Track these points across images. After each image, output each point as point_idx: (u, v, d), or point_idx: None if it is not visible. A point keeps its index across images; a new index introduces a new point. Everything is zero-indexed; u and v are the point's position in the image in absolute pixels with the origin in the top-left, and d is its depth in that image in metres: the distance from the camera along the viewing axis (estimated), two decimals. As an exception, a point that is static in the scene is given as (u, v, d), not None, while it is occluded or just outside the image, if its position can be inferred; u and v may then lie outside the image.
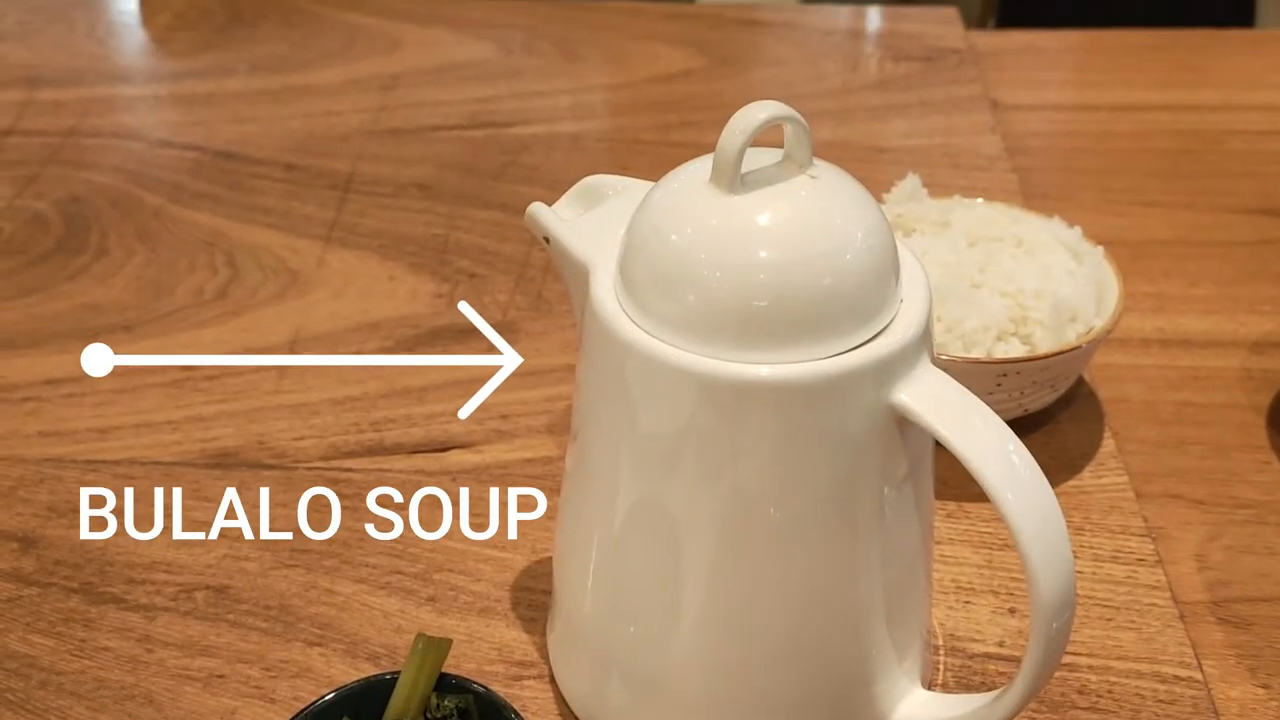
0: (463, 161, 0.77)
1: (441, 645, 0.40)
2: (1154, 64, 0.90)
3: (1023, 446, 0.35)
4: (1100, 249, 0.55)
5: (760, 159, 0.35)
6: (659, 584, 0.38)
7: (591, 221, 0.39)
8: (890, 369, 0.34)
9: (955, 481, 0.52)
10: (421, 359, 0.60)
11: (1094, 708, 0.43)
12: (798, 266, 0.33)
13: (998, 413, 0.52)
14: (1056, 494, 0.51)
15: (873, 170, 0.76)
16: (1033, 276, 0.52)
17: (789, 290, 0.33)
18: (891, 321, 0.35)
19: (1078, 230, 0.55)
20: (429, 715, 0.40)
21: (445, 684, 0.40)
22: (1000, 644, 0.45)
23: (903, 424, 0.35)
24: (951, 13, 0.95)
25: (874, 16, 0.96)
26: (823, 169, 0.35)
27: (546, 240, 0.39)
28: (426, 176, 0.75)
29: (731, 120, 0.34)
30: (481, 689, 0.40)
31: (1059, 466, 0.53)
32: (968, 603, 0.47)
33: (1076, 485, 0.53)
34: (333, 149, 0.78)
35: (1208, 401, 0.58)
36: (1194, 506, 0.52)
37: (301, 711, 0.39)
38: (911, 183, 0.58)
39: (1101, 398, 0.58)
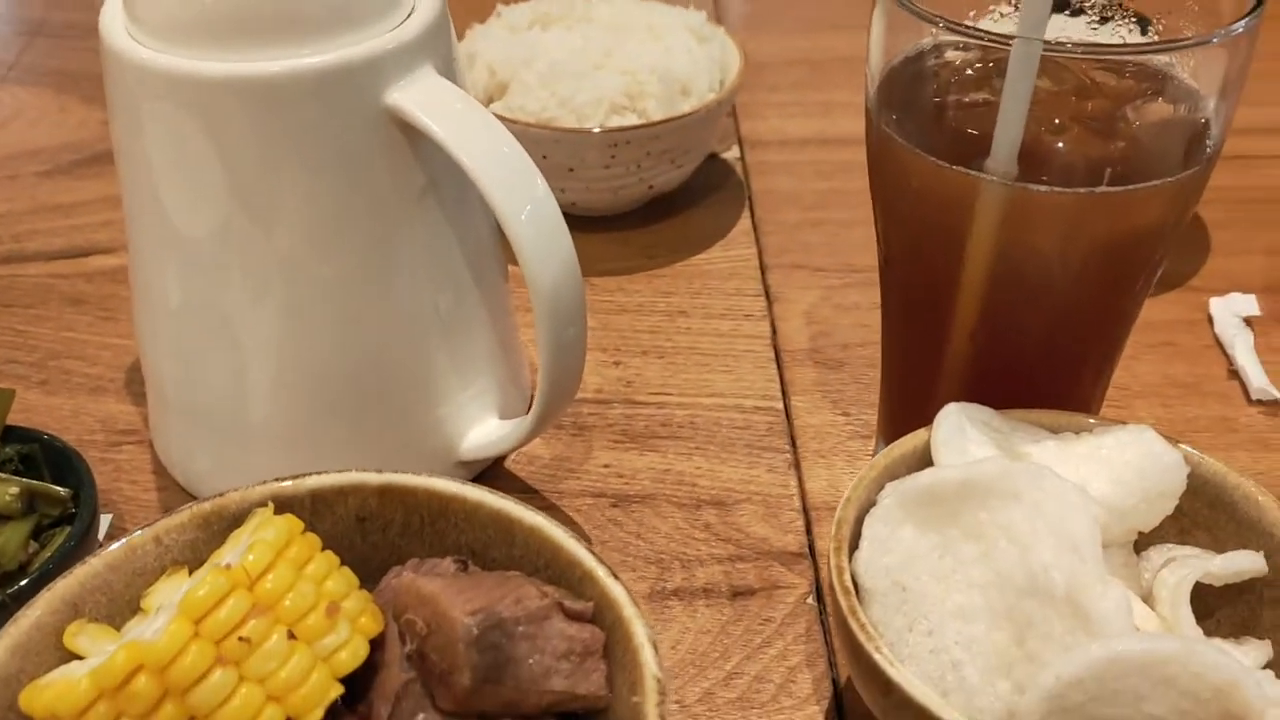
0: None
1: (4, 396, 0.40)
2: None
3: (517, 145, 0.35)
4: (721, 30, 0.57)
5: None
6: (215, 336, 0.38)
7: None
8: (381, 70, 0.35)
9: (588, 257, 0.54)
10: (77, 180, 0.59)
11: (674, 435, 0.45)
12: (270, -36, 0.34)
13: (619, 188, 0.54)
14: (683, 266, 0.54)
15: None
16: (652, 55, 0.53)
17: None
18: (394, 29, 0.36)
19: (702, 15, 0.57)
20: (-6, 463, 0.40)
21: (12, 435, 0.40)
22: (598, 390, 0.47)
23: (411, 135, 0.36)
24: None
25: None
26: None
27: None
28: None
29: None
30: (47, 437, 0.40)
31: (690, 245, 0.55)
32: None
33: (704, 258, 0.55)
34: (25, -2, 0.76)
35: (851, 188, 0.61)
36: (815, 274, 0.55)
37: None
38: (558, -20, 0.59)
39: (753, 188, 0.60)
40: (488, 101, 0.54)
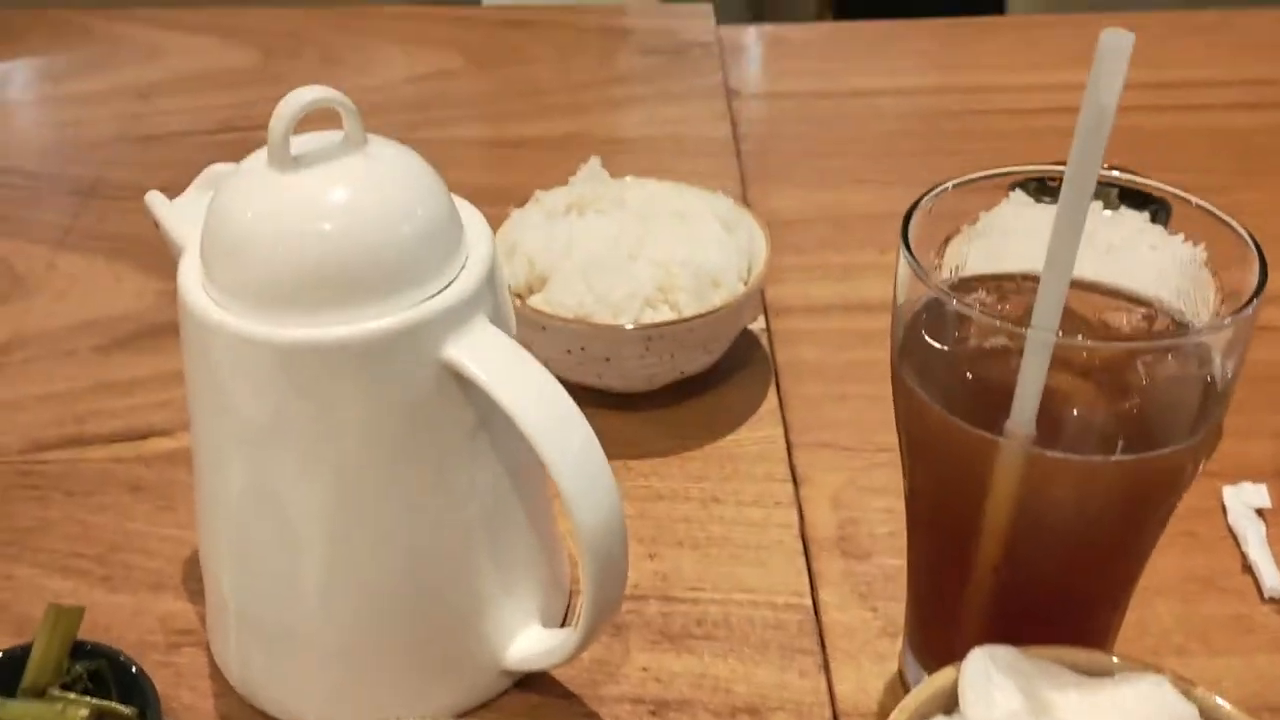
0: (206, 165, 0.79)
1: (73, 614, 0.43)
2: (889, 51, 0.96)
3: (563, 395, 0.38)
4: (747, 215, 0.59)
5: (324, 141, 0.39)
6: (275, 551, 0.41)
7: (195, 206, 0.42)
8: (440, 327, 0.37)
9: (624, 440, 0.56)
10: (134, 355, 0.62)
11: (708, 636, 0.47)
12: (339, 236, 0.36)
13: (653, 375, 0.56)
14: (713, 449, 0.57)
15: (605, 161, 0.80)
16: (683, 246, 0.56)
17: (330, 258, 0.36)
18: (449, 284, 0.38)
19: (729, 201, 0.60)
20: (65, 681, 0.42)
21: (81, 651, 0.43)
22: (635, 585, 0.49)
23: (463, 381, 0.38)
24: (705, 8, 1.00)
25: (632, 14, 1.00)
26: (379, 147, 0.39)
27: (157, 226, 0.42)
28: (170, 180, 0.76)
29: (280, 105, 0.37)
30: (114, 653, 0.42)
31: (720, 425, 0.58)
32: (616, 550, 0.51)
33: (734, 439, 0.57)
34: (81, 155, 0.80)
35: (873, 359, 0.63)
36: (840, 453, 0.57)
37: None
38: (592, 166, 0.62)
39: (779, 360, 0.62)
40: (528, 291, 0.56)
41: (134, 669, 0.42)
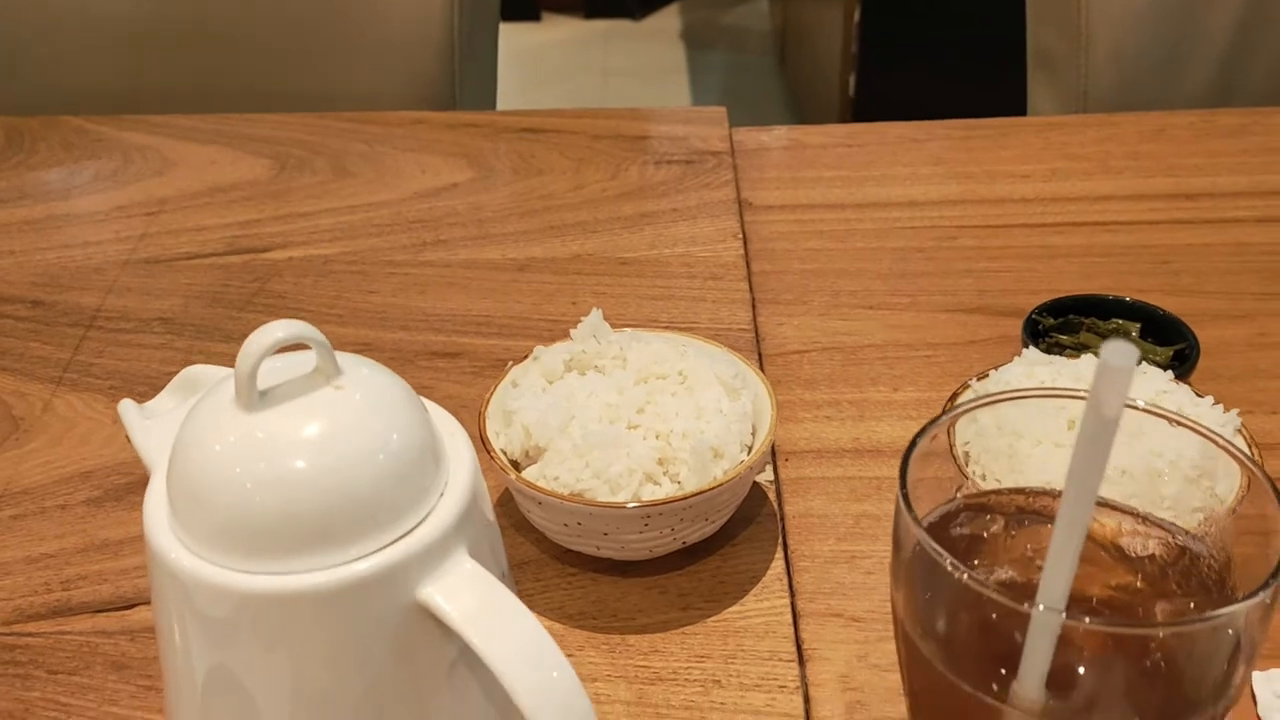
0: (212, 291, 0.78)
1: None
2: (906, 158, 0.94)
3: (544, 639, 0.36)
4: (753, 376, 0.57)
5: (293, 372, 0.37)
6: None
7: (168, 418, 0.40)
8: (416, 566, 0.36)
9: (623, 611, 0.54)
10: (126, 510, 0.61)
11: None
12: (308, 479, 0.35)
13: (654, 546, 0.54)
14: (718, 621, 0.54)
15: (613, 284, 0.79)
16: (685, 416, 0.54)
17: (299, 502, 0.35)
18: (427, 516, 0.37)
19: (735, 362, 0.58)
20: None
21: None
22: (631, 785, 0.47)
23: (439, 620, 0.36)
24: (719, 112, 0.99)
25: (646, 121, 0.99)
26: (352, 379, 0.37)
27: (128, 439, 0.41)
28: (172, 309, 0.77)
29: (246, 343, 0.36)
30: None
31: (724, 593, 0.56)
32: (612, 742, 0.49)
33: (738, 611, 0.55)
34: (84, 281, 0.79)
35: (885, 513, 0.61)
36: (850, 624, 0.54)
37: None
38: (594, 319, 0.60)
39: (786, 512, 0.60)
40: (525, 458, 0.54)
41: None
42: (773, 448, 0.64)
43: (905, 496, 0.35)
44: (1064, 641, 0.32)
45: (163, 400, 0.43)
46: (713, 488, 0.52)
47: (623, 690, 0.51)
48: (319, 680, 0.36)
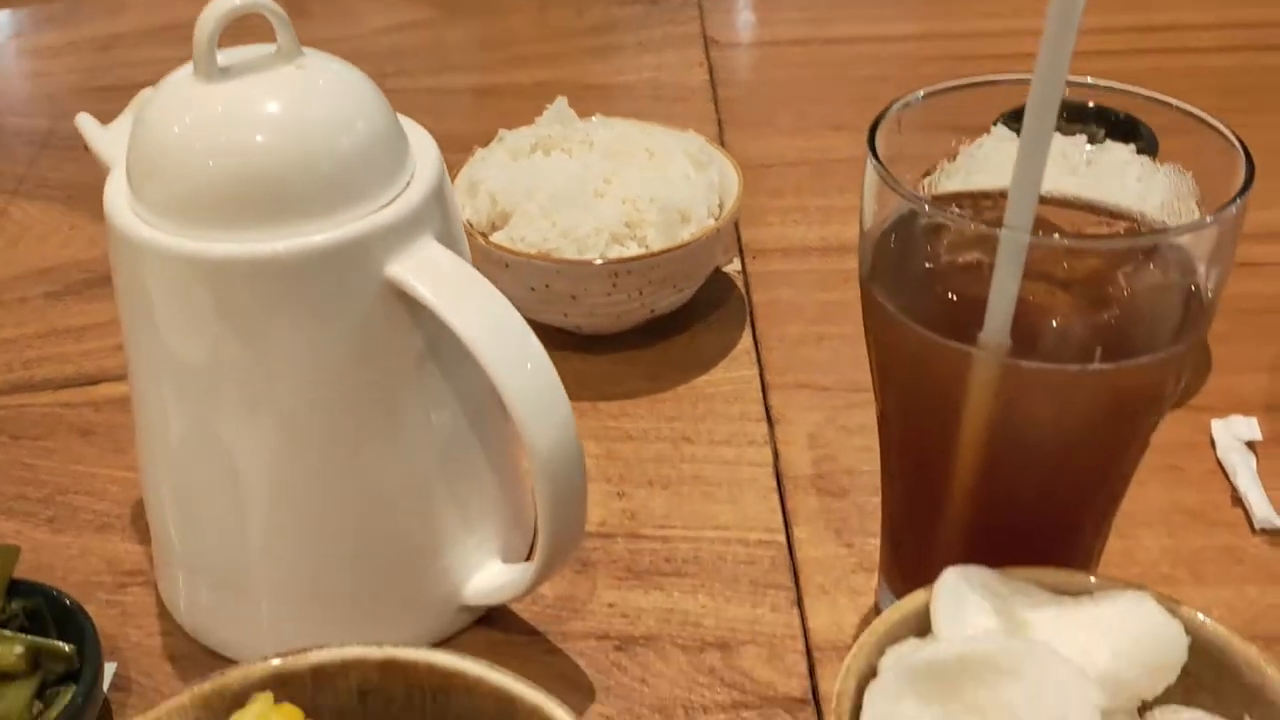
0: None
1: (8, 553, 0.41)
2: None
3: (513, 314, 0.36)
4: (719, 154, 0.57)
5: (254, 52, 0.36)
6: (217, 489, 0.39)
7: (126, 125, 0.40)
8: (382, 243, 0.35)
9: (592, 381, 0.54)
10: (87, 302, 0.60)
11: (677, 572, 0.45)
12: (270, 147, 0.34)
13: (621, 313, 0.54)
14: (685, 390, 0.55)
15: (578, 106, 0.78)
16: (651, 183, 0.54)
17: (261, 170, 0.34)
18: (393, 200, 0.36)
19: (700, 140, 0.58)
20: (0, 619, 0.40)
21: (17, 590, 0.41)
22: (601, 523, 0.48)
23: (408, 302, 0.36)
24: (683, -44, 0.98)
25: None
26: (314, 60, 0.37)
27: (86, 149, 0.40)
28: (130, 130, 0.75)
29: (204, 11, 0.35)
30: (53, 592, 0.41)
31: (693, 365, 0.56)
32: (582, 489, 0.49)
33: (707, 380, 0.55)
34: (37, 108, 0.78)
35: (853, 299, 0.61)
36: (818, 393, 0.55)
37: None
38: (559, 106, 0.60)
39: (755, 301, 0.60)
40: (491, 229, 0.54)
41: (69, 604, 0.40)
42: (740, 245, 0.64)
43: (874, 150, 0.35)
44: (1028, 276, 0.32)
45: (122, 120, 0.42)
46: (680, 246, 0.52)
47: (592, 446, 0.51)
48: (289, 363, 0.36)
